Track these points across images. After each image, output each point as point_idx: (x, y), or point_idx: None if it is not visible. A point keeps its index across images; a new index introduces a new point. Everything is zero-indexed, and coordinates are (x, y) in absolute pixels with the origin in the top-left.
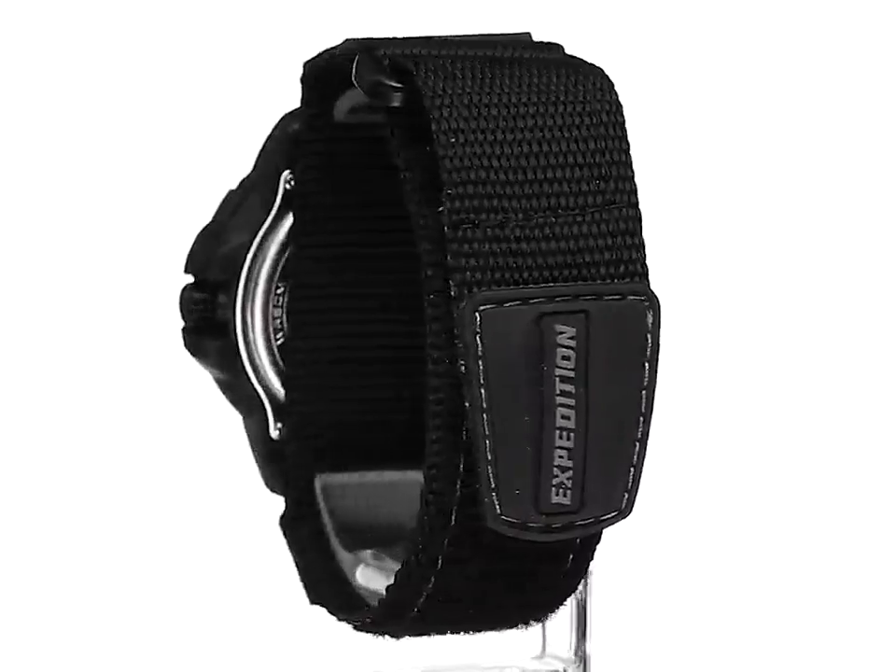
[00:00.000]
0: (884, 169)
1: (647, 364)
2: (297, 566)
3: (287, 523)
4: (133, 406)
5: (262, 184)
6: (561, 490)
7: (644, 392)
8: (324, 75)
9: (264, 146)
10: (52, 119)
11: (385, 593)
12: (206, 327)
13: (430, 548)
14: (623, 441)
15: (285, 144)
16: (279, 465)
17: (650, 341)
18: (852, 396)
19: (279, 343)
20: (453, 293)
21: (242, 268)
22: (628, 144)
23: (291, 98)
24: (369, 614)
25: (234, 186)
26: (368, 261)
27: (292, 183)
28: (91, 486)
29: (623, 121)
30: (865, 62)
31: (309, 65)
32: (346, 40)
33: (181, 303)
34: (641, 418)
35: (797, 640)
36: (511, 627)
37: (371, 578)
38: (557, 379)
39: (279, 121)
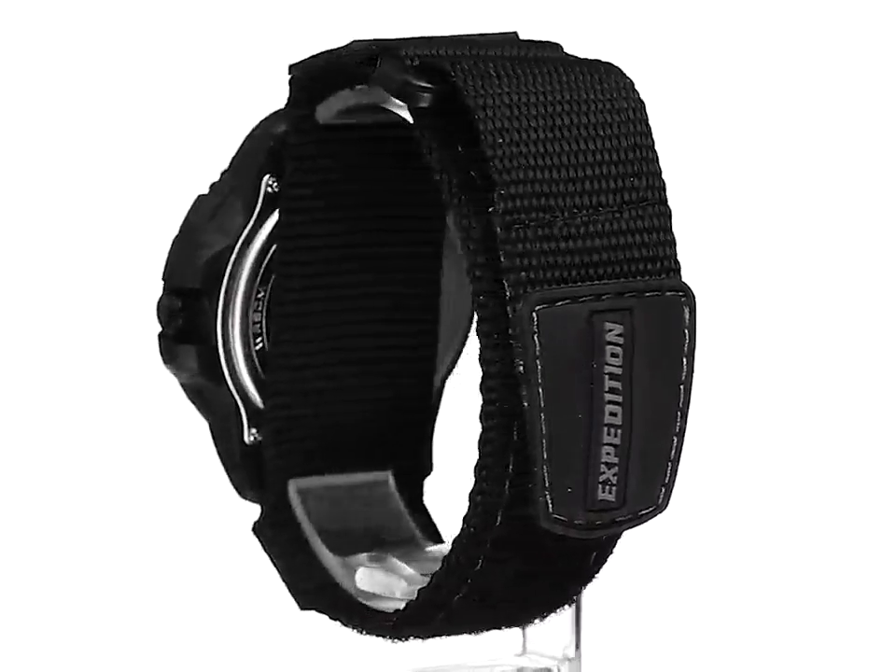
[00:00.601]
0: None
1: (685, 359)
2: (281, 571)
3: (266, 528)
4: (106, 407)
5: (242, 187)
6: (607, 487)
7: (682, 386)
8: (323, 76)
9: (242, 148)
10: (29, 120)
11: (396, 593)
12: (186, 334)
13: (473, 548)
14: (663, 436)
15: (267, 146)
16: (252, 470)
17: (687, 336)
18: (858, 395)
19: (257, 348)
20: (509, 294)
21: (224, 275)
22: (654, 141)
23: (255, 102)
24: (392, 617)
25: (204, 190)
26: (352, 263)
27: (274, 186)
28: (72, 488)
29: (647, 119)
30: (870, 56)
31: (303, 66)
32: (354, 41)
33: (160, 310)
34: (679, 413)
35: (786, 639)
36: (527, 624)
37: (377, 580)
38: (607, 376)
39: (261, 123)
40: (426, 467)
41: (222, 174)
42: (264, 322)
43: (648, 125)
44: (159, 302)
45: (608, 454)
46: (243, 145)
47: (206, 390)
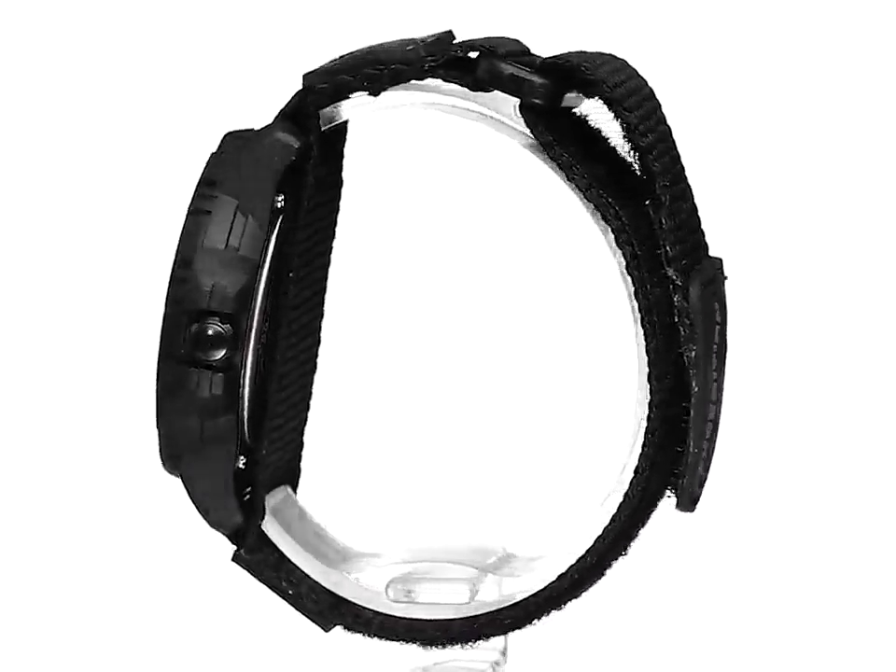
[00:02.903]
0: None
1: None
2: (285, 594)
3: (254, 551)
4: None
5: (259, 208)
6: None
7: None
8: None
9: (244, 167)
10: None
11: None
12: (225, 361)
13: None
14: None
15: (283, 165)
16: (238, 498)
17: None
18: (859, 392)
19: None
20: (679, 282)
21: (254, 300)
22: None
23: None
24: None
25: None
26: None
27: (281, 204)
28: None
29: None
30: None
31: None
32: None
33: (202, 339)
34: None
35: (784, 639)
36: None
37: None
38: (715, 354)
39: (268, 139)
40: None
41: (207, 190)
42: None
43: None
44: (199, 330)
45: (710, 430)
46: (241, 163)
47: (215, 417)
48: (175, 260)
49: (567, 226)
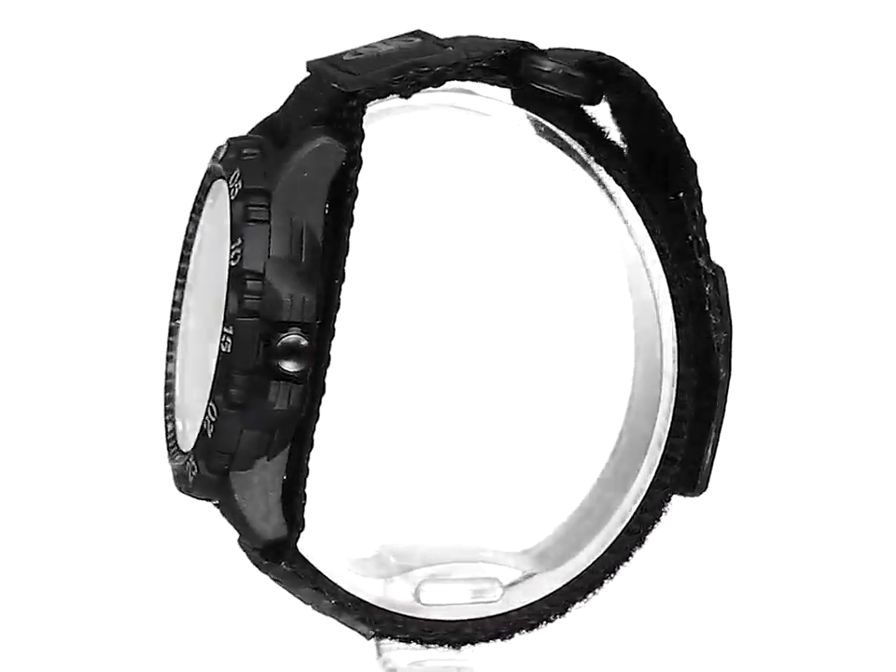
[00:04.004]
0: None
1: None
2: (325, 606)
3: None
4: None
5: (314, 224)
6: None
7: None
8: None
9: (293, 183)
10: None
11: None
12: (290, 372)
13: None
14: None
15: (329, 179)
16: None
17: None
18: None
19: None
20: (711, 271)
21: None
22: None
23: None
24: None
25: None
26: None
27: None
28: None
29: None
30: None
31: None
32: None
33: (292, 351)
34: None
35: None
36: None
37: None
38: None
39: (313, 146)
40: None
41: (257, 199)
42: None
43: None
44: (293, 343)
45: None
46: (290, 170)
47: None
48: (240, 271)
49: (573, 223)
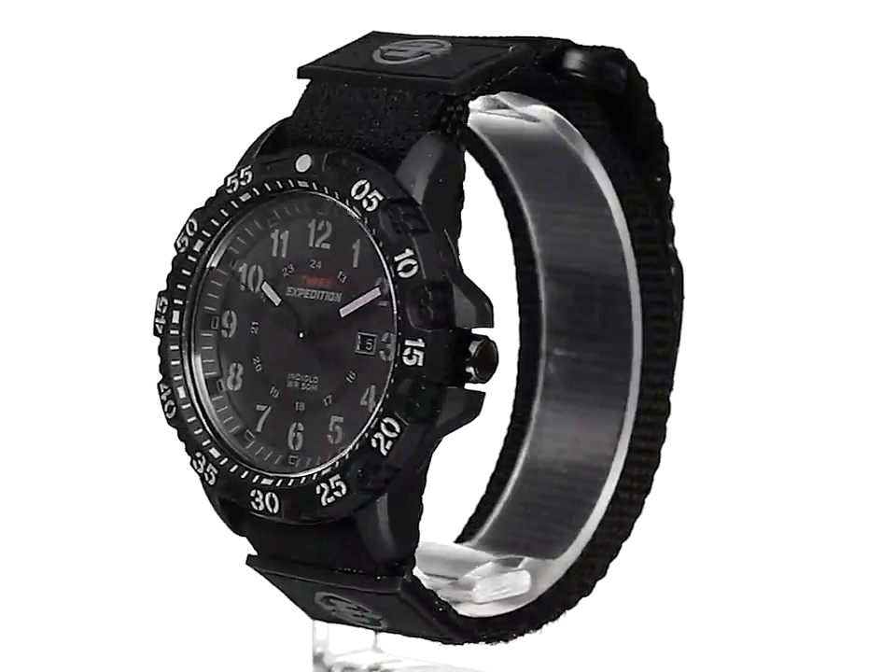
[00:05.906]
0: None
1: None
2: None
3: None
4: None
5: (450, 224)
6: None
7: None
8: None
9: (433, 184)
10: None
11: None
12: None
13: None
14: None
15: (458, 183)
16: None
17: None
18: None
19: None
20: (675, 252)
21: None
22: None
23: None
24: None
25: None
26: None
27: None
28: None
29: None
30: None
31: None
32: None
33: (485, 359)
34: None
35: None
36: None
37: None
38: None
39: (443, 160)
40: None
41: (409, 209)
42: None
43: None
44: (481, 352)
45: None
46: (432, 188)
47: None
48: (420, 282)
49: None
